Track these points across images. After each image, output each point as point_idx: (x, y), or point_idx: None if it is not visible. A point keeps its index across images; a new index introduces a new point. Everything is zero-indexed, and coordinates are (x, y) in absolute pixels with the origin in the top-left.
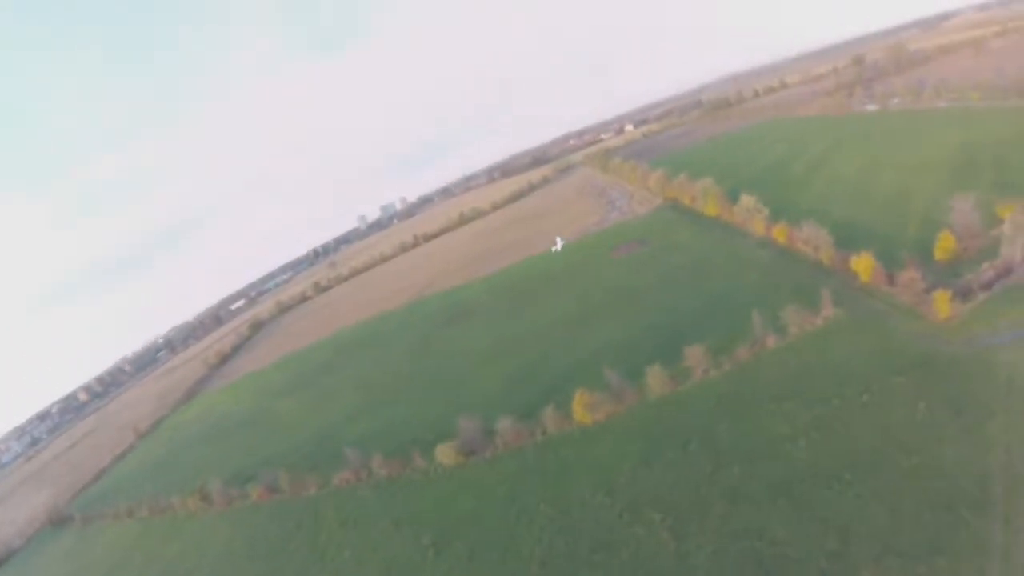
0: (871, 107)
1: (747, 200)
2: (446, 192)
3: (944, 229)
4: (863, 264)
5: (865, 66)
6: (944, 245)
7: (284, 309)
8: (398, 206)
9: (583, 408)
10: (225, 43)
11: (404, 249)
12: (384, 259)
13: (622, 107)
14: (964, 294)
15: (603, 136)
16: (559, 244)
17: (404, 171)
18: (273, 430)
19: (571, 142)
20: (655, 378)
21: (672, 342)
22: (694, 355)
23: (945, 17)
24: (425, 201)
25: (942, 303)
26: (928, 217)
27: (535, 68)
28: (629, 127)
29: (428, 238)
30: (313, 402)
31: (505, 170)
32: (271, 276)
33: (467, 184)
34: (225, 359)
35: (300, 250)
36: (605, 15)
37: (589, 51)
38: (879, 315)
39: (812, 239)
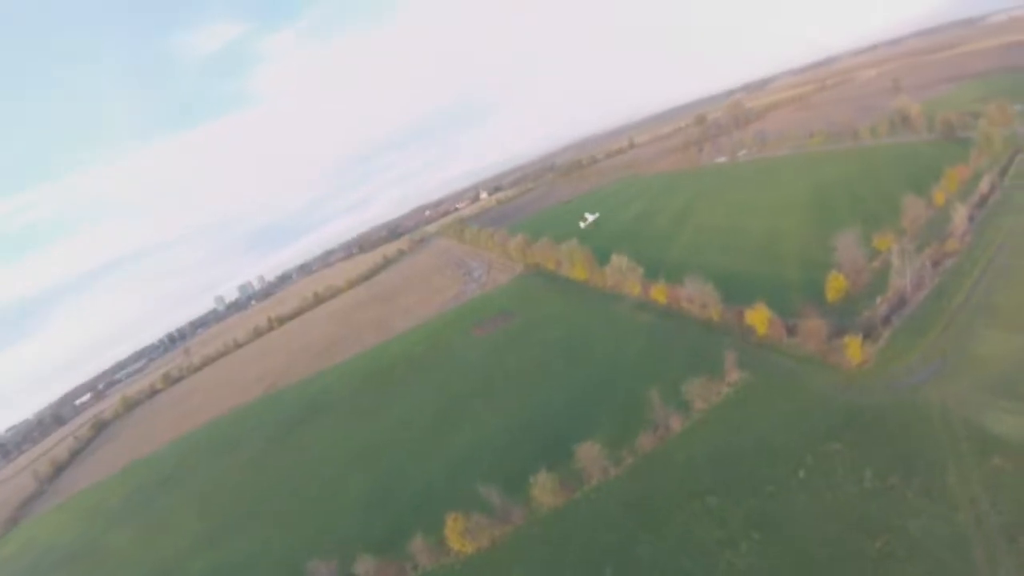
0: (721, 159)
1: (619, 260)
2: (304, 269)
3: (831, 269)
4: (759, 317)
5: (708, 124)
6: (835, 285)
7: (131, 405)
8: (256, 285)
9: (458, 535)
10: (74, 118)
11: (259, 334)
12: (238, 345)
13: (477, 176)
14: (869, 334)
15: (459, 206)
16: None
17: (263, 248)
18: (100, 568)
19: (427, 213)
20: (543, 488)
21: (558, 439)
22: (587, 453)
23: (768, 81)
24: (284, 279)
25: (854, 349)
26: (806, 258)
27: (389, 141)
28: (484, 195)
29: (283, 321)
30: (149, 530)
31: (363, 244)
32: (122, 365)
33: (326, 260)
34: (60, 469)
35: (155, 335)
36: (458, 85)
37: (442, 122)
38: (789, 372)
39: (697, 296)
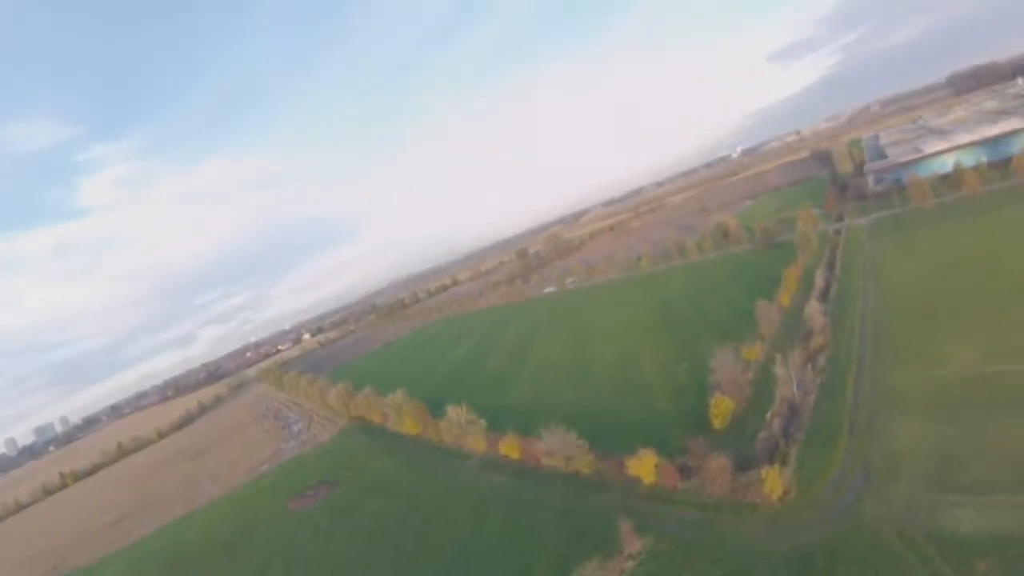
0: (550, 289)
1: (456, 412)
2: (116, 411)
3: (709, 391)
4: (644, 465)
5: (529, 257)
6: (722, 410)
7: None
8: (58, 428)
9: None
10: None
11: (48, 492)
12: (20, 507)
13: (300, 316)
14: (777, 458)
15: (281, 347)
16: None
17: (70, 384)
18: None
19: (249, 355)
20: None
21: None
22: None
23: (581, 213)
24: (91, 422)
25: (772, 481)
26: (672, 384)
27: (217, 274)
28: (307, 336)
29: (78, 477)
30: None
31: (180, 386)
32: None
33: (139, 403)
34: None
35: None
36: (286, 223)
37: (269, 259)
38: (701, 526)
39: (559, 448)
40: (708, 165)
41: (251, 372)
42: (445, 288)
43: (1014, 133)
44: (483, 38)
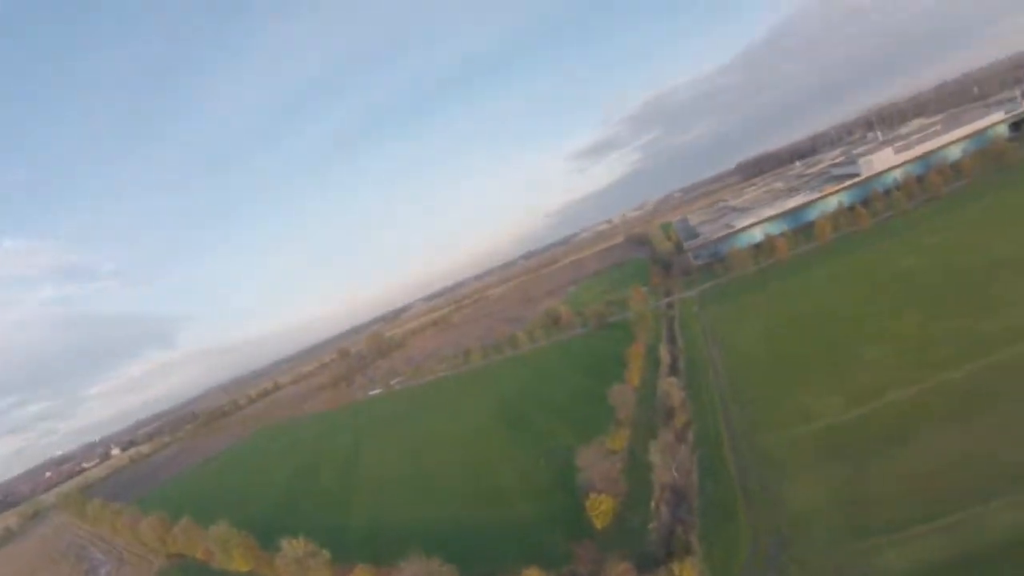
0: (376, 391)
1: (294, 546)
2: None
3: (583, 491)
4: None
5: (352, 357)
6: (603, 509)
7: None
8: None
9: None
10: None
11: None
12: None
13: (108, 427)
14: (681, 548)
15: (86, 465)
16: None
17: None
18: None
19: (48, 474)
20: None
21: None
22: None
23: (402, 310)
24: None
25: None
26: (535, 487)
27: (10, 382)
28: (116, 451)
29: None
30: None
31: None
32: None
33: None
34: None
35: None
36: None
37: (74, 363)
38: None
39: None
40: (526, 256)
41: (50, 497)
42: (267, 393)
43: (808, 204)
44: (307, 137)
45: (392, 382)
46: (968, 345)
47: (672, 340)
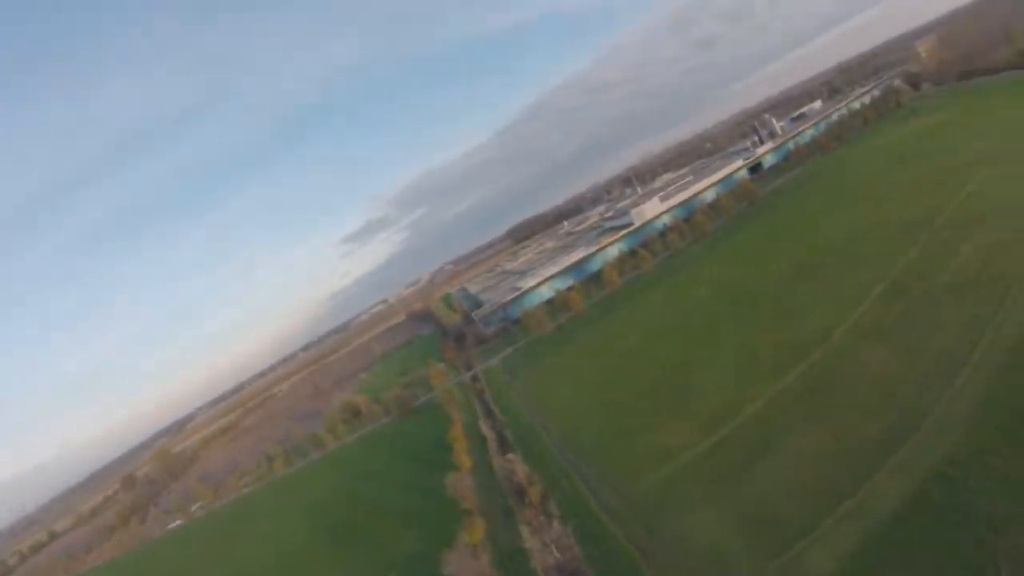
0: (176, 523)
1: None
2: None
3: None
4: None
5: (140, 483)
6: None
7: None
8: None
9: None
10: None
11: None
12: None
13: None
14: None
15: None
16: None
17: None
18: None
19: None
20: None
21: None
22: None
23: (186, 420)
24: None
25: None
26: None
27: None
28: None
29: None
30: None
31: None
32: None
33: None
34: None
35: None
36: None
37: None
38: None
39: None
40: (306, 348)
41: None
42: (43, 545)
43: (590, 256)
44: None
45: (193, 508)
46: (789, 351)
47: (490, 414)
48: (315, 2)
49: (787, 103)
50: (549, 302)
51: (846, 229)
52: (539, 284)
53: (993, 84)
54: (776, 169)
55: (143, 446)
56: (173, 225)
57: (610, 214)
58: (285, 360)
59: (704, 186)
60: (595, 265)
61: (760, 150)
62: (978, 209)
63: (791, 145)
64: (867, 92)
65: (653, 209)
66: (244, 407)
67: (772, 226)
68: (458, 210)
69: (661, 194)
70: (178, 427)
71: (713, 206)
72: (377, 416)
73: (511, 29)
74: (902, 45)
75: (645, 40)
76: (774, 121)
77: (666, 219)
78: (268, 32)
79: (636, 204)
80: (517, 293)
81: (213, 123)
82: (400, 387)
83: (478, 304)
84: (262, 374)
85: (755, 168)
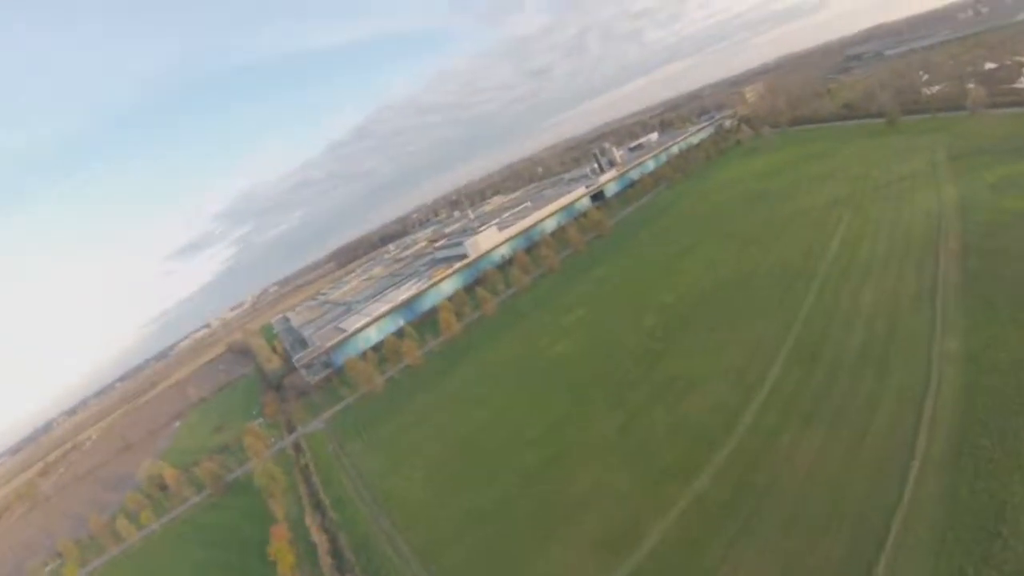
0: None
1: None
2: None
3: None
4: None
5: None
6: None
7: None
8: None
9: None
10: None
11: None
12: None
13: None
14: None
15: None
16: None
17: None
18: None
19: None
20: None
21: None
22: None
23: None
24: None
25: None
26: None
27: None
28: None
29: None
30: None
31: None
32: None
33: None
34: None
35: None
36: None
37: None
38: None
39: None
40: (123, 378)
41: None
42: None
43: (421, 294)
44: None
45: None
46: (691, 440)
47: (319, 506)
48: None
49: (620, 133)
50: (378, 348)
51: (718, 273)
52: (365, 325)
53: (822, 131)
54: (619, 197)
55: None
56: None
57: (440, 242)
58: (100, 393)
59: (545, 214)
60: (427, 303)
61: (602, 178)
62: (859, 256)
63: (634, 175)
64: (702, 129)
65: (490, 239)
66: (45, 464)
67: (630, 265)
68: (285, 227)
69: (497, 222)
70: None
71: (557, 236)
72: (187, 494)
73: (344, 45)
74: (723, 90)
75: (480, 66)
76: (614, 149)
77: (504, 250)
78: (89, 29)
79: (470, 231)
80: (342, 336)
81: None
82: (213, 454)
83: (300, 340)
84: (72, 411)
85: (597, 196)
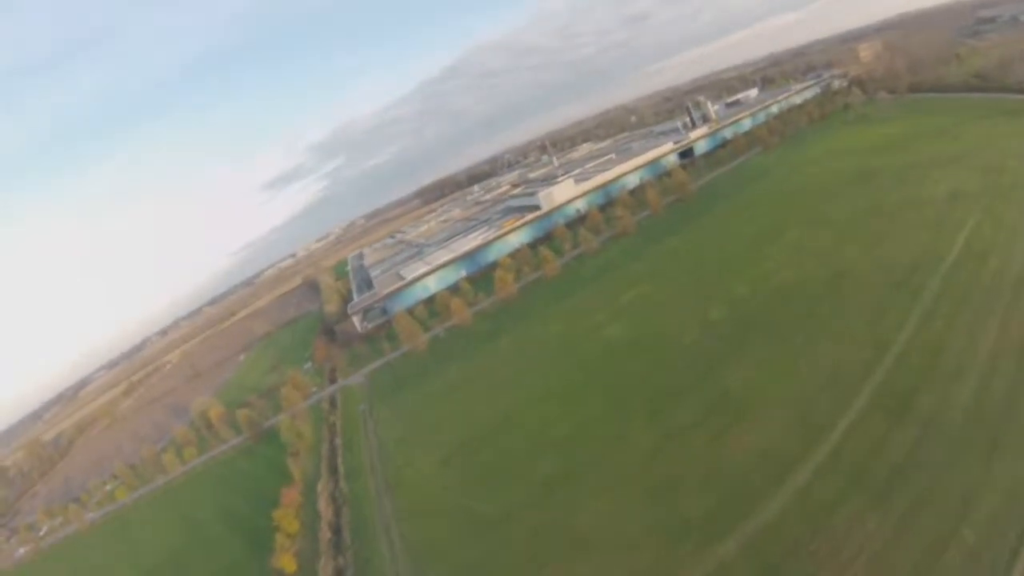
0: (22, 550)
1: None
2: None
3: None
4: None
5: (7, 480)
6: None
7: None
8: None
9: None
10: None
11: None
12: None
13: None
14: None
15: None
16: None
17: None
18: None
19: None
20: None
21: None
22: None
23: (82, 384)
24: None
25: None
26: None
27: None
28: None
29: None
30: None
31: None
32: None
33: None
34: None
35: None
36: None
37: None
38: None
39: None
40: (212, 302)
41: None
42: None
43: (486, 245)
44: None
45: (41, 533)
46: (724, 493)
47: (334, 473)
48: None
49: (718, 87)
50: (430, 301)
51: (805, 267)
52: (423, 275)
53: (947, 103)
54: (709, 157)
55: (35, 417)
56: (77, 160)
57: (518, 189)
58: (190, 316)
59: (628, 169)
60: (492, 255)
61: (693, 134)
62: (984, 274)
63: (727, 133)
64: (807, 87)
65: (565, 192)
66: (129, 383)
67: (708, 241)
68: (375, 162)
69: (576, 174)
70: (72, 393)
71: (636, 195)
72: (227, 436)
73: None
74: (835, 47)
75: (577, 7)
76: (709, 104)
77: (580, 204)
78: None
79: (549, 179)
80: (399, 285)
81: (125, 54)
82: (257, 397)
83: (367, 281)
84: (164, 331)
85: (686, 153)
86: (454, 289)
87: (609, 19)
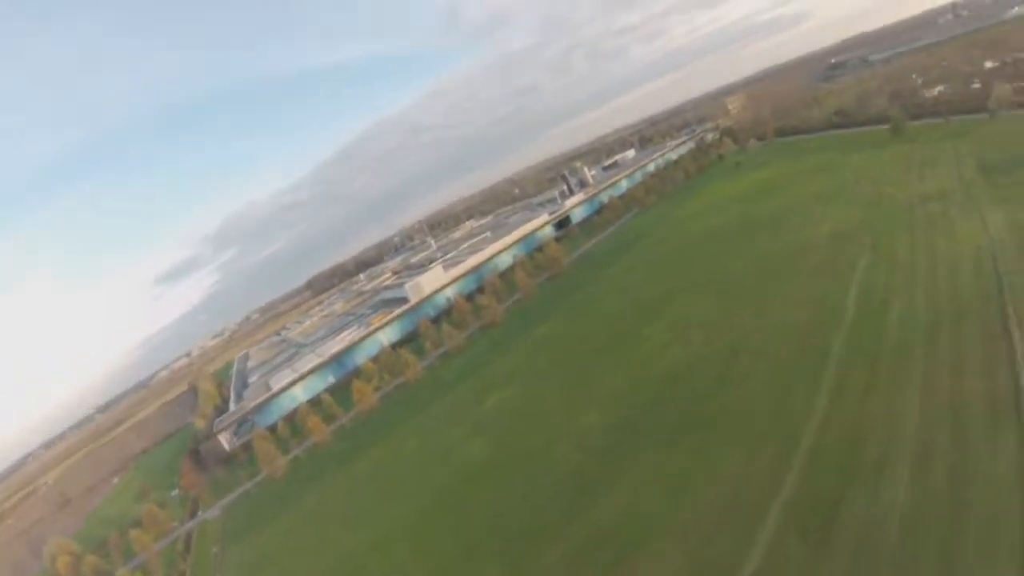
0: None
1: None
2: None
3: None
4: None
5: None
6: None
7: None
8: None
9: None
10: None
11: None
12: None
13: None
14: None
15: None
16: None
17: None
18: None
19: None
20: None
21: None
22: None
23: None
24: None
25: None
26: None
27: None
28: None
29: None
30: None
31: None
32: None
33: None
34: None
35: None
36: None
37: None
38: None
39: None
40: (104, 408)
41: None
42: None
43: (353, 346)
44: None
45: None
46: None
47: None
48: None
49: (599, 151)
50: (292, 416)
51: (691, 345)
52: (291, 384)
53: (814, 142)
54: (586, 224)
55: None
56: None
57: (395, 277)
58: (78, 425)
59: (501, 247)
60: (359, 357)
61: (569, 202)
62: (889, 327)
63: (604, 197)
64: (681, 143)
65: (433, 281)
66: (1, 509)
67: (580, 324)
68: (270, 251)
69: (448, 258)
70: None
71: (506, 277)
72: None
73: (333, 66)
74: (706, 103)
75: (467, 84)
76: (585, 169)
77: (450, 292)
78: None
79: (423, 267)
80: (266, 396)
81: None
82: (117, 535)
83: (246, 387)
84: (50, 443)
85: (562, 223)
86: (315, 402)
87: (499, 93)
